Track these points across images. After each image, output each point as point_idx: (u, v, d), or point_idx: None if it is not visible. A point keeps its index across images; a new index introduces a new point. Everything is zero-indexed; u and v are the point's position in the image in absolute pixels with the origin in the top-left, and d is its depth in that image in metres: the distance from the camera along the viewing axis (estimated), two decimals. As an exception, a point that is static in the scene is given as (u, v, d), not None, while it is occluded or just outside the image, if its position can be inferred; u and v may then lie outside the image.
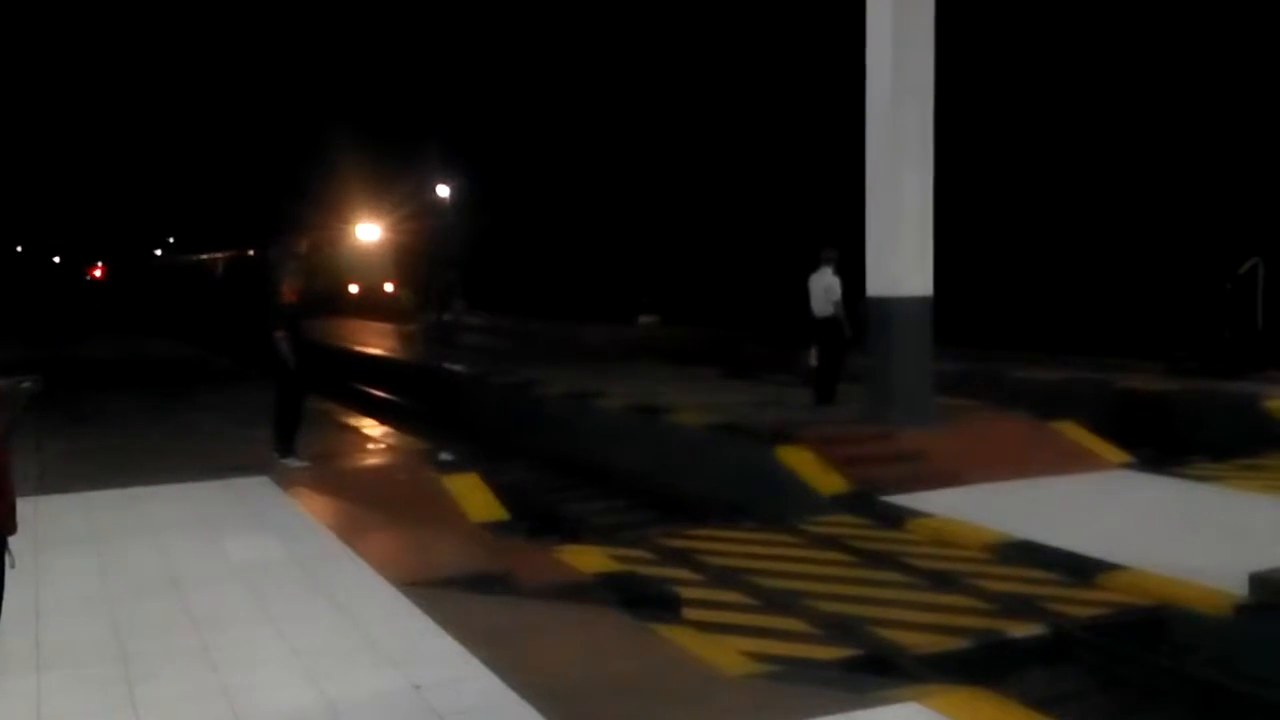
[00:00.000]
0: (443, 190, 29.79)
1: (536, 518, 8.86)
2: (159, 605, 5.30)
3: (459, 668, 4.45)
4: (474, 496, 7.80)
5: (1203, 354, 12.70)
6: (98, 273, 68.33)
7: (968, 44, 12.51)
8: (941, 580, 6.39)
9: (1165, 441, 10.83)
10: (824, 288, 11.06)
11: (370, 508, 7.38)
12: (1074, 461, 9.20)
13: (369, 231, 35.97)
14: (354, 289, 35.70)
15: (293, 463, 8.55)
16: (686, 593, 6.10)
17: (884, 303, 9.84)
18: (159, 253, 73.43)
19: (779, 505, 8.41)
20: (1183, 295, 15.60)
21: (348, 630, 4.93)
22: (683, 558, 6.92)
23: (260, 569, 5.89)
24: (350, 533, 6.56)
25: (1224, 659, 5.40)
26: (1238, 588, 5.75)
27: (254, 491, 7.81)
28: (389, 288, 35.27)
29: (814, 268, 11.13)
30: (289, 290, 8.46)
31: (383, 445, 10.09)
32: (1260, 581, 5.73)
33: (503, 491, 8.08)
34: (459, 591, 5.50)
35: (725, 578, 6.52)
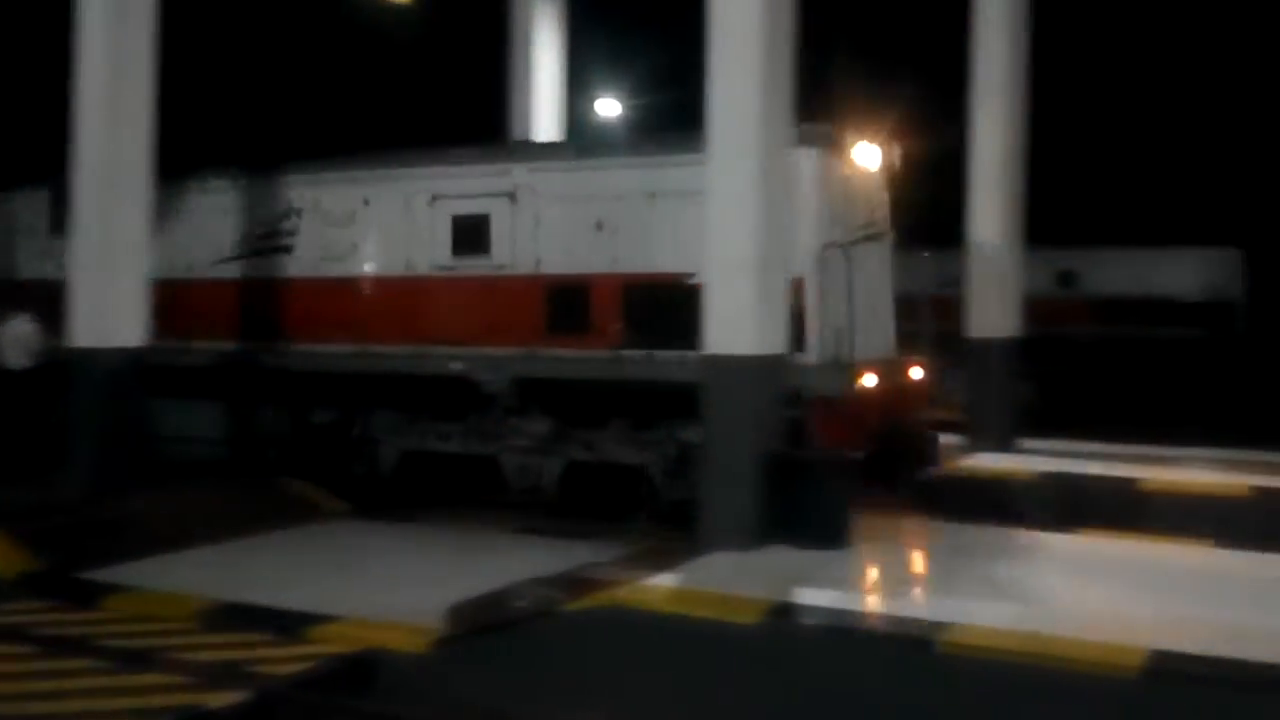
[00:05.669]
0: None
1: None
2: None
3: None
4: None
5: None
6: None
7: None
8: (137, 659, 5.79)
9: None
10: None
11: None
12: (296, 515, 9.32)
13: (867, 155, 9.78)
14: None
15: None
16: None
17: (90, 354, 9.01)
18: None
19: None
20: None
21: None
22: None
23: None
24: None
25: (423, 693, 5.78)
26: (438, 623, 6.27)
27: None
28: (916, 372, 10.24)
29: None
30: None
31: None
32: (454, 613, 6.38)
33: None
34: None
35: None
